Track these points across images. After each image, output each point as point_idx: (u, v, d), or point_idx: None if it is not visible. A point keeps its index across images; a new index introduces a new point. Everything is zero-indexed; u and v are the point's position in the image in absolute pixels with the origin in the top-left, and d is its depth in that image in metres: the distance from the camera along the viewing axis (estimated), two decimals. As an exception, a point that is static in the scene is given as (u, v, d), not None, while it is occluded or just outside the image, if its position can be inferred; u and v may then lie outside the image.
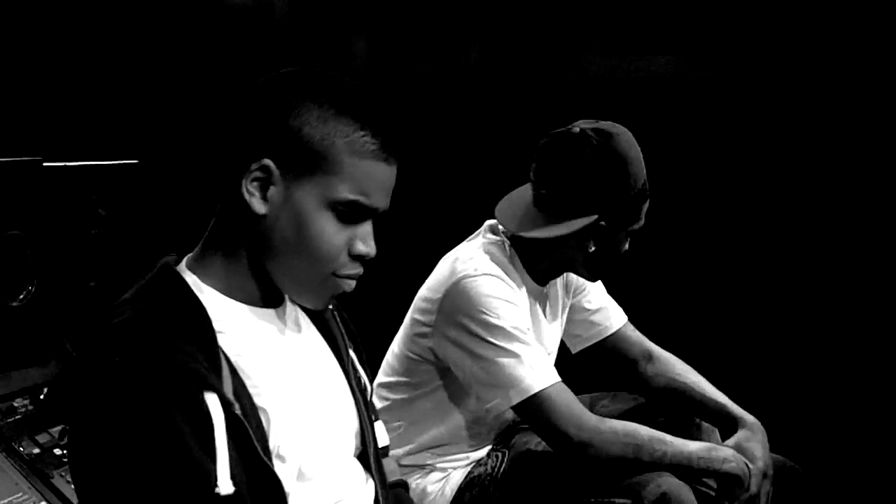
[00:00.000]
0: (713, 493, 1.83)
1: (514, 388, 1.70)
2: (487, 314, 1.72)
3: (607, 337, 2.12)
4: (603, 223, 1.80)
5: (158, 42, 2.84)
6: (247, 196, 1.10)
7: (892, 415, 2.73)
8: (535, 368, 1.71)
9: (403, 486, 1.44)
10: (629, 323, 2.14)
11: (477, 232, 1.95)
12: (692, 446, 1.73)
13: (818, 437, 2.72)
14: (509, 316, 1.74)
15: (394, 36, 3.30)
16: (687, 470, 1.72)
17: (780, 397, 2.87)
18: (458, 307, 1.74)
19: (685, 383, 2.04)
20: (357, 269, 1.16)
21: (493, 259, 1.81)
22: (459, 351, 1.75)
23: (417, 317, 1.84)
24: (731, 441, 1.88)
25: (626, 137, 1.83)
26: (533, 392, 1.69)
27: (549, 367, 1.76)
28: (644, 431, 1.72)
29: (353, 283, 1.17)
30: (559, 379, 1.74)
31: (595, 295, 2.12)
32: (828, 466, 2.38)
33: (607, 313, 2.12)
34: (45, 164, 2.08)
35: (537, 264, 1.89)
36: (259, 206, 1.11)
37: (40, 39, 2.54)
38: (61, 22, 2.61)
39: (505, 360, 1.70)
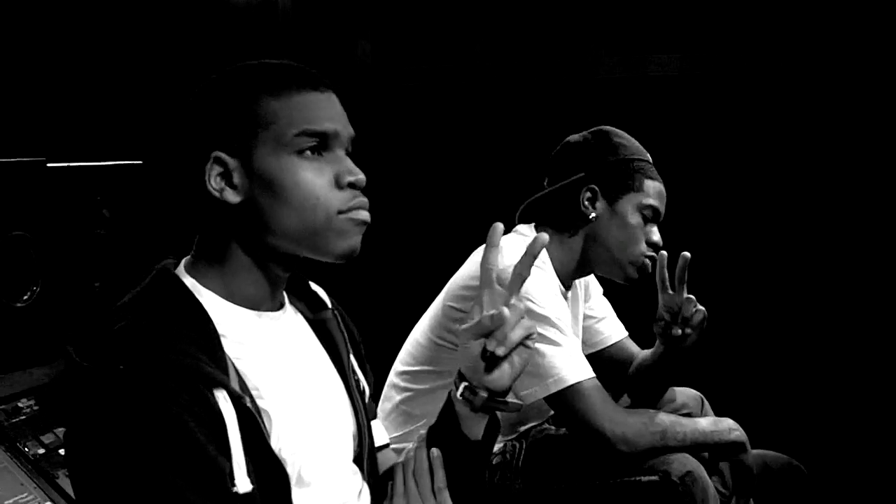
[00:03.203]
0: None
1: (553, 377, 1.71)
2: (532, 301, 1.72)
3: (608, 347, 2.13)
4: (594, 186, 1.86)
5: (162, 42, 2.84)
6: (218, 195, 1.11)
7: (893, 414, 2.73)
8: (574, 359, 1.74)
9: (387, 446, 1.43)
10: (629, 337, 2.17)
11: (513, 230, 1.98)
12: (702, 423, 1.82)
13: (821, 436, 2.71)
14: (552, 306, 1.77)
15: (399, 36, 3.30)
16: (702, 445, 1.78)
17: (783, 397, 2.87)
18: None
19: (643, 355, 2.08)
20: (358, 198, 1.14)
21: None
22: None
23: (453, 304, 1.85)
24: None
25: (623, 132, 1.93)
26: (570, 383, 1.72)
27: (585, 361, 1.78)
28: (664, 417, 1.78)
29: (366, 213, 1.15)
30: (594, 374, 1.76)
31: (599, 305, 2.15)
32: (831, 466, 2.38)
33: (609, 323, 2.15)
34: (48, 164, 2.08)
35: (561, 261, 1.91)
36: (233, 196, 1.11)
37: (43, 40, 2.54)
38: (64, 22, 2.61)
39: (546, 349, 1.71)
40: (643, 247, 1.87)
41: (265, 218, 1.11)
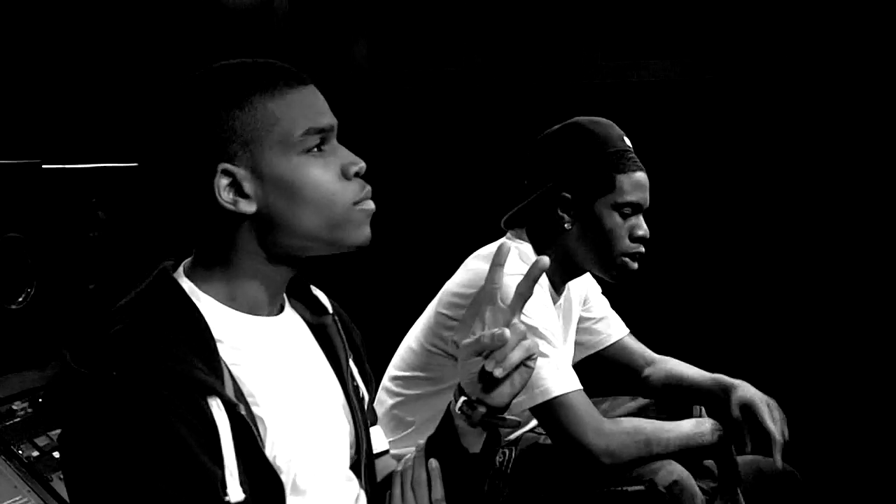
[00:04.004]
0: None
1: (539, 388, 1.71)
2: (522, 313, 1.71)
3: (608, 346, 2.13)
4: (567, 194, 1.84)
5: (159, 44, 2.84)
6: (231, 207, 1.09)
7: (890, 418, 2.74)
8: (560, 371, 1.74)
9: (386, 452, 1.42)
10: (631, 334, 2.15)
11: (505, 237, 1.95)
12: (685, 426, 1.81)
13: (815, 441, 2.72)
14: (542, 317, 1.76)
15: (396, 38, 3.30)
16: (686, 450, 1.78)
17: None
18: None
19: (680, 373, 2.08)
20: (365, 188, 1.15)
21: (525, 261, 1.81)
22: None
23: (445, 311, 1.84)
24: (733, 402, 1.94)
25: (595, 119, 1.89)
26: (556, 395, 1.71)
27: (573, 372, 1.78)
28: (646, 424, 1.78)
29: (372, 202, 1.16)
30: (580, 386, 1.75)
31: (597, 305, 2.13)
32: (826, 471, 2.38)
33: (608, 323, 2.14)
34: (44, 166, 2.07)
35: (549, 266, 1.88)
36: (248, 206, 1.10)
37: (40, 41, 2.54)
38: (61, 23, 2.61)
39: None
40: (625, 245, 1.84)
41: (285, 222, 1.11)
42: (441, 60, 3.26)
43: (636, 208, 1.85)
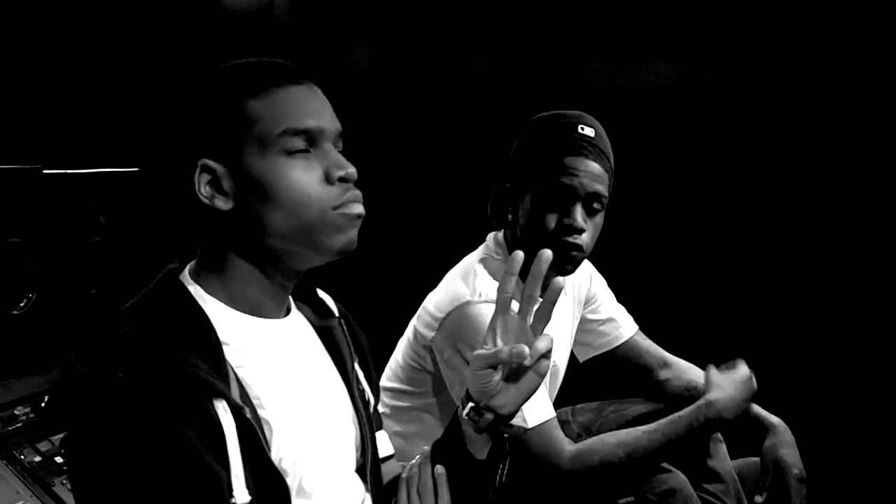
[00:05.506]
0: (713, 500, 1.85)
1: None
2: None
3: (618, 346, 2.09)
4: (508, 184, 1.81)
5: (159, 49, 2.85)
6: (208, 202, 1.10)
7: (891, 416, 2.74)
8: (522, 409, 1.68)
9: (391, 457, 1.41)
10: (640, 332, 2.12)
11: (483, 245, 1.90)
12: (663, 424, 1.72)
13: (817, 439, 2.72)
14: None
15: (395, 44, 3.30)
16: (675, 444, 1.70)
17: (779, 399, 2.87)
18: (457, 332, 1.71)
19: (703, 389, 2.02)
20: (351, 192, 1.12)
21: (495, 277, 1.75)
22: (451, 374, 1.74)
23: (420, 328, 1.81)
24: (763, 448, 1.90)
25: (552, 114, 1.85)
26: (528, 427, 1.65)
27: (537, 404, 1.68)
28: (610, 439, 1.70)
29: (360, 207, 1.12)
30: (549, 416, 1.68)
31: (605, 306, 2.09)
32: (827, 468, 2.38)
33: (617, 324, 2.09)
34: (45, 171, 2.08)
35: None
36: (223, 203, 1.10)
37: (40, 45, 2.54)
38: (61, 27, 2.62)
39: None
40: (561, 238, 1.71)
41: (258, 222, 1.10)
42: (440, 65, 3.27)
43: (571, 196, 1.74)
